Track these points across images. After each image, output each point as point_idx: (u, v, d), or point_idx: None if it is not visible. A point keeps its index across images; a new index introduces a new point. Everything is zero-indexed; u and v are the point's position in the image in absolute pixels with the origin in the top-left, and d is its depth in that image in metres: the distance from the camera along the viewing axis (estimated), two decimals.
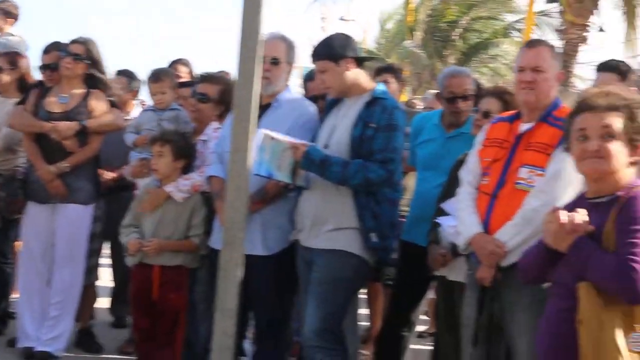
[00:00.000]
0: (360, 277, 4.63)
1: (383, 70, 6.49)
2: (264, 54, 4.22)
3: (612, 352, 2.76)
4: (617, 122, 2.97)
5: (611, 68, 4.91)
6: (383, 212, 4.53)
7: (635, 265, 2.77)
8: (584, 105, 3.04)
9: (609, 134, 2.97)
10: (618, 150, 2.96)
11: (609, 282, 2.81)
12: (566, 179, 3.79)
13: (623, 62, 5.42)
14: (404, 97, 6.96)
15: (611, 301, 2.80)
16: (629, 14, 13.19)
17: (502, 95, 4.73)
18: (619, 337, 2.77)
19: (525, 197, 3.92)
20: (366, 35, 38.88)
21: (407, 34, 25.36)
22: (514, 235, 3.88)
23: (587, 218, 2.92)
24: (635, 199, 2.90)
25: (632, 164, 3.01)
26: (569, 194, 3.68)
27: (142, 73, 6.97)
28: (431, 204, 4.89)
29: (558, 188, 3.77)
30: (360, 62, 4.71)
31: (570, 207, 3.04)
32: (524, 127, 4.10)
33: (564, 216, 2.90)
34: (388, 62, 22.27)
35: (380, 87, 4.73)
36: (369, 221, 4.48)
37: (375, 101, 4.57)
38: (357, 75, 4.65)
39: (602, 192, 3.01)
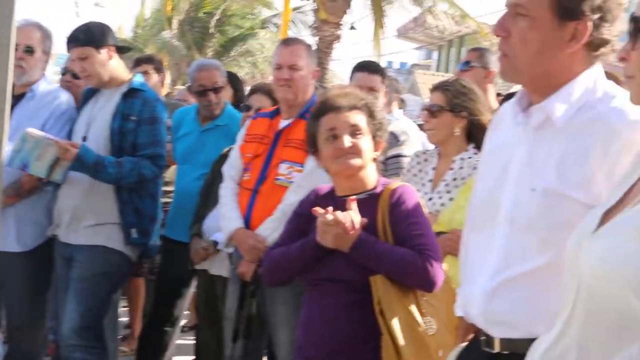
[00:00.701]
0: (121, 273, 4.56)
1: (143, 61, 6.40)
2: (17, 41, 4.02)
3: (417, 335, 2.92)
4: (361, 120, 3.11)
5: (366, 68, 5.14)
6: (145, 207, 4.49)
7: (430, 253, 2.96)
8: (328, 106, 3.13)
9: (357, 132, 3.10)
10: (367, 146, 3.10)
11: (409, 273, 2.95)
12: (324, 175, 3.95)
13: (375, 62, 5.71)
14: (164, 89, 6.90)
15: (403, 289, 2.97)
16: (377, 14, 13.90)
17: (271, 92, 4.81)
18: (419, 318, 2.95)
19: (285, 193, 4.03)
20: (123, 24, 38.07)
21: (165, 24, 25.09)
22: (274, 230, 3.96)
23: (359, 215, 2.99)
24: (403, 195, 3.05)
25: (374, 159, 3.16)
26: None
27: None
28: (190, 198, 4.90)
29: (315, 183, 3.89)
30: (119, 51, 4.62)
31: (314, 204, 3.07)
32: (283, 123, 4.21)
33: (343, 217, 2.95)
34: (146, 52, 21.94)
35: (138, 78, 4.67)
36: (130, 217, 4.43)
37: (133, 93, 4.50)
38: (117, 65, 4.56)
39: (353, 190, 3.11)
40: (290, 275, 3.18)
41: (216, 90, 5.24)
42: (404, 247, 2.98)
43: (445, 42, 34.84)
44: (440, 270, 2.99)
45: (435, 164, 4.03)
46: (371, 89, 4.68)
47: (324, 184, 3.32)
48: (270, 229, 3.99)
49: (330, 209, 2.98)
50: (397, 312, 2.93)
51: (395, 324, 2.91)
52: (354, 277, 2.99)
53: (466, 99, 3.89)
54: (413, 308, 2.96)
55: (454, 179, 3.88)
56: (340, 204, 3.04)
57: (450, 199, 3.84)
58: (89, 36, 4.45)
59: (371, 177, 3.14)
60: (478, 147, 3.85)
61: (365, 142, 3.09)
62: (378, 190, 3.10)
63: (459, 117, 3.89)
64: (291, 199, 3.95)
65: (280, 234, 3.38)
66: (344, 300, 3.00)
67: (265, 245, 3.97)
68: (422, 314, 2.97)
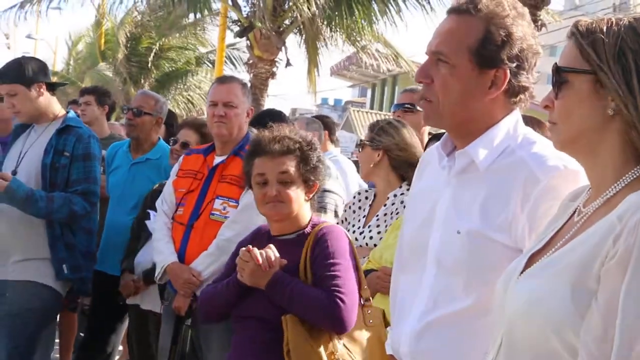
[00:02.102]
0: (52, 309, 4.51)
1: (86, 92, 6.40)
2: None
3: None
4: (292, 166, 3.12)
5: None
6: (78, 243, 4.46)
7: (341, 296, 2.96)
8: (260, 149, 3.16)
9: (286, 180, 3.12)
10: (296, 194, 3.12)
11: (318, 315, 2.97)
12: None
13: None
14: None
15: (315, 331, 2.97)
16: (311, 52, 14.06)
17: (199, 128, 4.86)
18: None
19: (220, 228, 4.05)
20: (55, 56, 37.60)
21: (98, 57, 24.88)
22: (209, 265, 4.00)
23: (278, 254, 3.04)
24: (326, 235, 3.08)
25: (309, 200, 3.20)
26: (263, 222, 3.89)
27: None
28: (120, 231, 4.90)
29: (250, 219, 3.90)
30: (52, 87, 4.61)
31: (250, 242, 3.16)
32: (217, 159, 4.24)
33: (259, 255, 3.00)
34: (80, 85, 21.71)
35: (72, 114, 4.68)
36: (61, 252, 4.39)
37: (68, 129, 4.50)
38: (48, 101, 4.55)
39: (284, 230, 3.16)
40: (219, 311, 3.20)
41: (137, 113, 5.25)
42: (320, 287, 3.00)
43: (378, 81, 35.31)
44: (352, 312, 2.98)
45: (372, 201, 4.16)
46: None
47: (259, 219, 3.36)
48: (205, 263, 4.02)
49: (249, 246, 3.04)
50: (304, 354, 2.93)
51: None
52: (270, 315, 3.00)
53: (385, 134, 4.04)
54: (321, 350, 2.95)
55: (385, 214, 3.99)
56: (272, 244, 3.09)
57: (379, 233, 3.95)
58: (19, 73, 4.44)
59: (303, 217, 3.18)
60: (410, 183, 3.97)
61: (293, 190, 3.12)
62: (307, 230, 3.14)
63: (377, 151, 4.03)
64: (226, 234, 3.98)
65: (217, 269, 3.38)
66: (261, 338, 3.03)
67: (199, 280, 3.98)
68: (332, 357, 2.96)
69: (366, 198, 4.22)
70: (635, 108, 1.60)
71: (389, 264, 3.55)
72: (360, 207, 4.20)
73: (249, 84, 13.73)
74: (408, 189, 3.93)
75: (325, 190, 4.50)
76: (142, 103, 5.32)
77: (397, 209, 3.94)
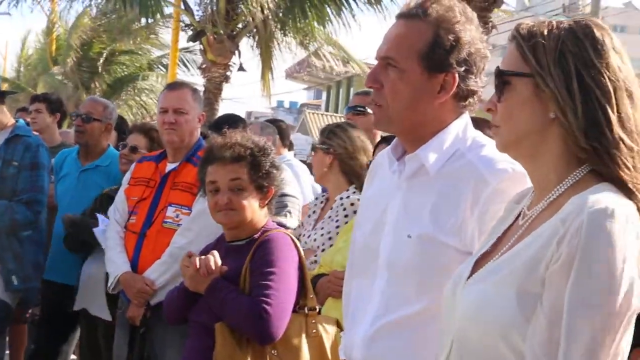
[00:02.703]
0: (2, 320, 4.45)
1: (37, 99, 6.30)
2: None
3: None
4: (243, 173, 3.12)
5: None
6: (26, 253, 4.40)
7: (266, 307, 2.95)
8: (212, 157, 3.16)
9: (238, 187, 3.12)
10: (248, 201, 3.12)
11: (242, 323, 2.96)
12: (211, 218, 3.96)
13: None
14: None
15: (244, 340, 2.97)
16: (265, 56, 14.03)
17: (148, 132, 4.82)
18: None
19: (173, 236, 4.03)
20: (5, 62, 37.06)
21: (50, 63, 24.57)
22: (162, 273, 3.97)
23: (219, 261, 3.05)
24: (268, 242, 3.08)
25: (264, 206, 3.20)
26: (215, 232, 3.88)
27: None
28: None
29: (203, 226, 3.88)
30: (0, 96, 4.54)
31: (211, 249, 3.17)
32: (170, 167, 4.21)
33: (198, 260, 3.02)
34: (31, 91, 21.42)
35: (21, 122, 4.62)
36: (10, 263, 4.34)
37: (16, 138, 4.44)
38: None
39: (239, 237, 3.16)
40: (174, 316, 3.22)
41: (85, 119, 5.20)
42: (251, 294, 3.00)
43: (333, 83, 35.39)
44: (278, 322, 2.96)
45: (324, 204, 4.18)
46: None
47: (212, 226, 3.36)
48: (158, 272, 3.99)
49: (190, 251, 3.09)
50: None
51: None
52: (211, 321, 3.01)
53: (336, 138, 4.05)
54: None
55: (329, 217, 4.00)
56: (225, 250, 3.10)
57: (322, 235, 3.96)
58: None
59: (257, 223, 3.17)
60: (359, 187, 3.98)
61: (245, 197, 3.11)
62: (256, 237, 3.14)
63: (328, 155, 4.04)
64: (179, 242, 3.96)
65: (170, 277, 3.46)
66: (205, 344, 3.02)
67: (153, 289, 3.96)
68: None
69: (321, 202, 4.24)
70: (574, 114, 1.62)
71: (339, 267, 3.56)
72: (314, 212, 4.21)
73: (202, 89, 13.70)
74: (354, 192, 3.97)
75: (285, 195, 4.50)
76: (90, 109, 5.27)
77: (344, 210, 3.94)
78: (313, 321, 3.10)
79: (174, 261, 3.91)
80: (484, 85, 2.18)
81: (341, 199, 4.00)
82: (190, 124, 4.21)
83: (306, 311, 3.09)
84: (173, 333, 3.87)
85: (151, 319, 4.02)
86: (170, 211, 4.07)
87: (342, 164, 4.04)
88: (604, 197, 1.56)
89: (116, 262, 4.11)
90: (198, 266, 3.00)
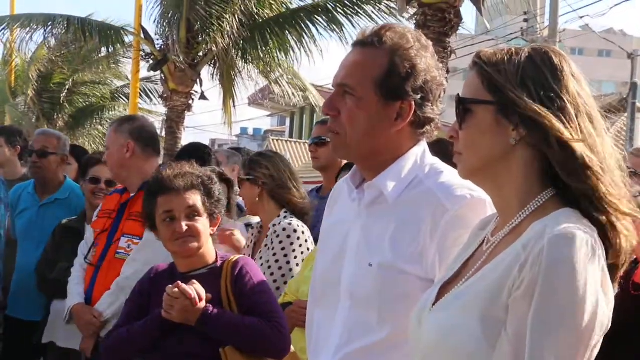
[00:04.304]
0: None
1: None
2: None
3: None
4: (197, 200, 3.13)
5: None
6: None
7: (280, 321, 3.04)
8: (164, 187, 3.13)
9: (194, 213, 3.12)
10: (204, 227, 3.13)
11: (260, 342, 3.01)
12: (159, 247, 3.93)
13: None
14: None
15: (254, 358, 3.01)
16: (226, 84, 14.03)
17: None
18: None
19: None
20: None
21: (8, 95, 24.36)
22: (111, 304, 3.94)
23: (203, 289, 3.02)
24: (245, 267, 3.12)
25: (212, 234, 3.20)
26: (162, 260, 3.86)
27: None
28: (33, 275, 4.75)
29: (149, 256, 3.83)
30: None
31: (151, 283, 3.16)
32: (130, 197, 4.18)
33: (190, 290, 2.98)
34: None
35: None
36: None
37: None
38: None
39: (193, 266, 3.14)
40: (132, 354, 3.15)
41: (41, 154, 5.16)
42: (252, 315, 3.04)
43: (297, 109, 35.49)
44: (289, 337, 3.06)
45: (259, 234, 4.14)
46: None
47: (160, 256, 3.36)
48: (107, 303, 3.97)
49: (178, 282, 3.00)
50: None
51: None
52: (203, 351, 2.99)
53: (259, 168, 4.03)
54: None
55: (265, 245, 3.96)
56: (182, 281, 3.05)
57: (262, 265, 3.89)
58: None
59: (210, 252, 3.18)
60: (290, 211, 3.99)
61: (202, 224, 3.12)
62: (219, 264, 3.15)
63: (256, 185, 4.03)
64: (125, 272, 3.95)
65: (118, 308, 3.41)
66: None
67: (100, 321, 3.94)
68: None
69: (253, 233, 4.18)
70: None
71: (305, 297, 3.53)
72: (252, 241, 4.17)
73: (164, 117, 13.60)
74: (286, 217, 3.95)
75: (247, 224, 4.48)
76: (45, 143, 5.22)
77: (278, 237, 3.89)
78: None
79: (120, 292, 3.90)
80: (440, 113, 2.19)
81: (274, 225, 3.96)
82: (113, 157, 4.18)
83: None
84: None
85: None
86: (123, 242, 4.05)
87: (269, 190, 4.01)
88: (565, 222, 1.56)
89: (72, 294, 4.11)
90: (192, 296, 2.97)
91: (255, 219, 4.70)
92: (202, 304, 2.99)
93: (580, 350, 1.52)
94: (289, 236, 3.86)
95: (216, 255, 3.18)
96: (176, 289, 2.98)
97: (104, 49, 15.36)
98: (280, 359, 3.03)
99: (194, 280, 3.04)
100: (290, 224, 3.90)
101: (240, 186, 4.12)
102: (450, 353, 1.61)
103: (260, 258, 3.95)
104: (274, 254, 3.88)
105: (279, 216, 3.98)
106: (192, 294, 2.96)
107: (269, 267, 3.87)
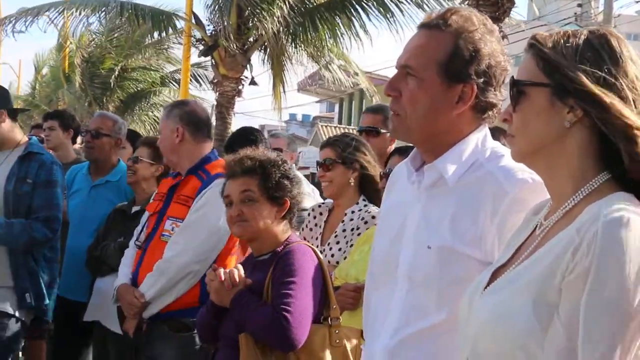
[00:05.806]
0: (15, 338, 4.44)
1: (50, 117, 6.30)
2: None
3: None
4: (253, 185, 3.16)
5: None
6: (41, 270, 4.42)
7: (286, 314, 2.99)
8: (227, 174, 3.24)
9: (248, 198, 3.15)
10: (260, 212, 3.14)
11: (263, 332, 3.00)
12: (199, 231, 3.97)
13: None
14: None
15: (267, 350, 3.00)
16: (276, 69, 14.04)
17: (152, 144, 4.83)
18: None
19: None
20: (20, 80, 37.33)
21: (62, 81, 24.73)
22: (151, 286, 3.99)
23: (243, 273, 3.08)
24: (289, 253, 3.11)
25: (284, 217, 3.21)
26: (211, 243, 3.93)
27: None
28: (83, 257, 4.85)
29: (191, 238, 3.93)
30: (13, 114, 4.57)
31: (244, 264, 3.21)
32: (179, 180, 4.21)
33: (223, 273, 3.06)
34: (46, 109, 21.54)
35: (34, 140, 4.65)
36: (24, 280, 4.35)
37: (30, 156, 4.46)
38: (10, 127, 4.52)
39: (263, 250, 3.19)
40: (205, 332, 3.26)
41: (95, 135, 5.23)
42: (270, 306, 3.05)
43: (345, 95, 35.44)
44: (299, 330, 3.00)
45: (327, 216, 4.11)
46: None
47: (200, 238, 3.62)
48: (148, 285, 4.01)
49: (215, 265, 3.16)
50: None
51: None
52: (236, 334, 3.04)
53: (356, 152, 4.00)
54: None
55: (344, 231, 3.95)
56: (253, 265, 3.16)
57: (339, 250, 3.91)
58: None
59: (277, 236, 3.19)
60: (369, 199, 3.96)
61: (257, 208, 3.14)
62: (279, 249, 3.17)
63: (352, 169, 3.99)
64: (166, 255, 3.99)
65: (159, 290, 3.78)
66: (230, 356, 3.05)
67: (142, 302, 3.98)
68: None
69: (320, 214, 4.16)
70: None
71: (353, 280, 3.54)
72: (316, 224, 4.15)
73: (215, 103, 13.69)
74: (366, 205, 3.94)
75: (304, 209, 4.50)
76: (100, 125, 5.30)
77: (357, 225, 3.89)
78: (337, 331, 3.12)
79: (160, 274, 3.97)
80: (503, 99, 2.17)
81: (352, 212, 3.95)
82: (166, 142, 4.21)
83: (330, 322, 3.12)
84: (169, 348, 3.93)
85: (148, 331, 4.03)
86: (168, 224, 4.09)
87: (362, 178, 3.98)
88: (619, 206, 1.55)
89: (120, 275, 4.19)
90: (222, 279, 3.04)
91: (308, 205, 4.70)
92: (237, 288, 3.05)
93: (631, 330, 1.51)
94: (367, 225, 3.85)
95: (285, 240, 3.19)
96: (212, 271, 3.09)
97: (155, 34, 15.46)
98: (284, 351, 3.02)
99: (239, 265, 3.12)
100: (368, 212, 3.91)
101: (330, 169, 4.00)
102: (501, 336, 1.60)
103: (337, 243, 3.95)
104: (351, 244, 3.85)
105: (357, 203, 3.98)
106: (223, 277, 3.04)
107: (345, 258, 3.84)
